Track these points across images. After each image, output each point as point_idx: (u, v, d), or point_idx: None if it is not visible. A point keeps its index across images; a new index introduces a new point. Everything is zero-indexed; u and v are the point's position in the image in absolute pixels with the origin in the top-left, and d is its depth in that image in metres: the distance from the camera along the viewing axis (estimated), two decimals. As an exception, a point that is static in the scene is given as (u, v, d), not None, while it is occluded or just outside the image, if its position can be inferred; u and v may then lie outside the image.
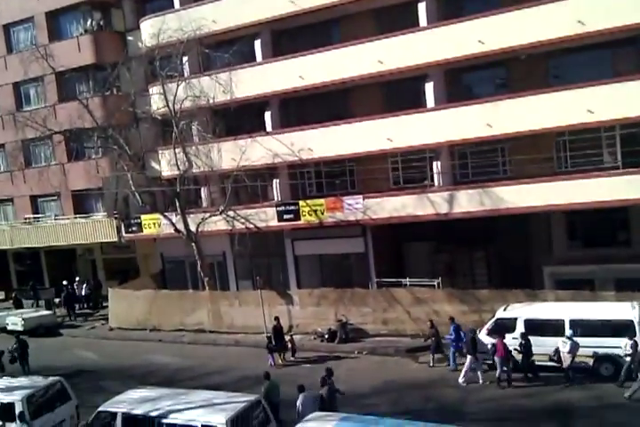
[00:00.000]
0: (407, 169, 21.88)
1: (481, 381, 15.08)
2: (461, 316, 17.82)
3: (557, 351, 14.53)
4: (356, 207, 21.22)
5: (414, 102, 20.83)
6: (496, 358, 14.81)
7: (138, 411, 11.71)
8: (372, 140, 20.82)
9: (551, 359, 14.65)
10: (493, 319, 16.03)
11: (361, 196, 21.33)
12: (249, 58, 23.37)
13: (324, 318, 19.32)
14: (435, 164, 20.82)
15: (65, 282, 28.17)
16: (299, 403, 12.13)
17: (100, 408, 12.25)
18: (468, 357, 15.24)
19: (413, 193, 20.54)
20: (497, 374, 14.85)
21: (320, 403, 12.09)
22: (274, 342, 18.04)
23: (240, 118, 23.62)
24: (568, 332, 14.54)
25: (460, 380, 15.19)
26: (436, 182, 20.88)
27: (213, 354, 19.39)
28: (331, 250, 22.72)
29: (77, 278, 28.76)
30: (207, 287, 22.98)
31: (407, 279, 20.17)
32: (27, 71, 25.44)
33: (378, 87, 21.97)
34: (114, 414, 11.91)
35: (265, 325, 20.22)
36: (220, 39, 23.38)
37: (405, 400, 14.24)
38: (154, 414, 11.43)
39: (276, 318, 18.79)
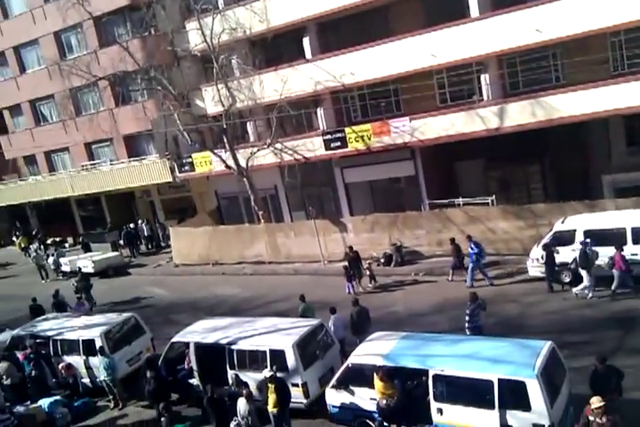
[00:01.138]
0: (454, 85, 21.01)
1: (590, 295, 14.40)
2: (518, 231, 17.63)
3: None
4: (403, 130, 20.75)
5: (457, 14, 19.60)
6: (614, 271, 13.97)
7: (208, 340, 12.36)
8: (415, 58, 20.01)
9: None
10: (551, 233, 15.70)
11: (407, 117, 20.79)
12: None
13: (378, 243, 19.47)
14: (482, 77, 19.89)
15: (132, 225, 29.18)
16: (330, 324, 12.89)
17: (174, 339, 13.02)
18: (584, 272, 14.37)
19: (461, 110, 19.87)
20: (613, 287, 14.06)
21: (350, 323, 13.12)
22: (351, 271, 17.87)
23: (279, 48, 23.09)
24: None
25: (579, 292, 14.58)
26: (484, 97, 20.03)
27: (274, 284, 20.03)
28: (380, 175, 22.54)
29: (139, 221, 29.81)
30: (262, 220, 23.42)
31: (460, 199, 19.92)
32: (65, 19, 25.40)
33: (417, 0, 20.79)
34: (187, 344, 12.66)
35: (321, 253, 20.64)
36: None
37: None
38: (223, 342, 12.04)
39: (350, 248, 18.58)
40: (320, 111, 23.48)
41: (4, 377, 14.15)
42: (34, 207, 36.53)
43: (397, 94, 22.32)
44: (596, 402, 7.83)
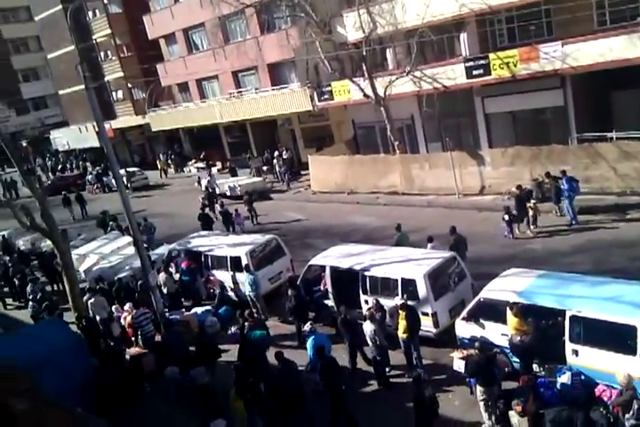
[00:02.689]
0: (615, 5, 18.87)
1: None
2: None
3: None
4: (554, 55, 19.20)
5: None
6: None
7: (343, 265, 12.97)
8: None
9: None
10: None
11: (559, 42, 19.11)
12: None
13: (518, 178, 18.70)
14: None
15: (276, 153, 30.05)
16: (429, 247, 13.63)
17: (311, 262, 13.85)
18: None
19: (622, 33, 17.84)
20: None
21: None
22: (514, 212, 16.42)
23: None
24: None
25: None
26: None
27: (407, 215, 20.08)
28: (525, 105, 21.26)
29: (281, 148, 30.78)
30: (398, 151, 23.40)
31: (614, 133, 18.40)
32: (214, -53, 25.76)
33: None
34: (323, 267, 13.44)
35: (456, 185, 20.38)
36: None
37: (609, 260, 13.78)
38: (357, 267, 12.59)
39: (519, 187, 17.18)
40: (463, 36, 22.35)
41: (163, 287, 15.86)
42: (187, 133, 39.14)
43: (549, 16, 20.49)
44: None
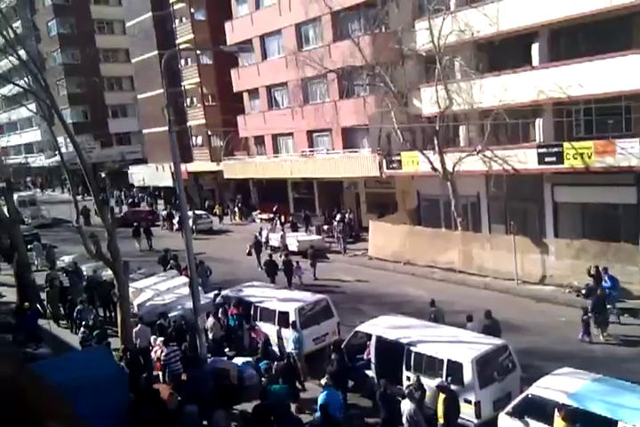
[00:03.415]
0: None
1: None
2: None
3: None
4: (631, 152, 19.02)
5: None
6: None
7: (390, 336, 12.79)
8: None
9: None
10: None
11: (638, 139, 19.00)
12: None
13: (582, 272, 18.20)
14: None
15: (338, 216, 30.15)
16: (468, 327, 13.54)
17: (358, 328, 13.76)
18: None
19: None
20: None
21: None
22: (596, 312, 14.94)
23: (504, 53, 22.63)
24: None
25: None
26: None
27: (461, 294, 19.82)
28: (596, 198, 20.95)
29: (344, 211, 31.13)
30: (460, 228, 23.34)
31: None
32: (307, 12, 27.39)
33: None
34: (369, 335, 13.30)
35: (516, 271, 20.00)
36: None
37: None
38: (404, 341, 12.40)
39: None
40: (539, 122, 22.53)
41: (210, 331, 16.01)
42: (256, 184, 40.29)
43: (629, 112, 20.52)
44: None
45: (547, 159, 21.33)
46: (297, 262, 22.65)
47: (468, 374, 11.13)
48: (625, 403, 9.18)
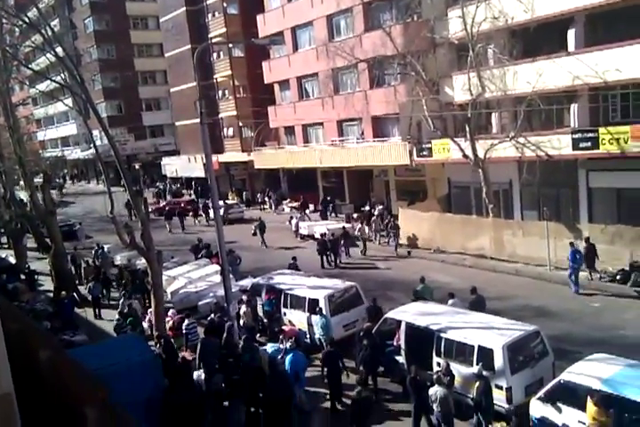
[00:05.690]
0: None
1: None
2: None
3: None
4: (669, 137, 18.60)
5: None
6: None
7: (420, 322, 12.81)
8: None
9: None
10: None
11: (676, 124, 18.56)
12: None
13: (616, 258, 17.89)
14: None
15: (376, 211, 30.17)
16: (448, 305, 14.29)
17: (388, 315, 13.84)
18: None
19: None
20: None
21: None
22: None
23: (538, 39, 22.09)
24: None
25: None
26: None
27: (492, 280, 19.73)
28: (632, 184, 20.48)
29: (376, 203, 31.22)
30: (491, 214, 23.12)
31: None
32: (339, 3, 27.24)
33: None
34: (399, 322, 13.35)
35: (549, 257, 19.74)
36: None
37: None
38: (434, 327, 12.39)
39: None
40: (574, 108, 22.07)
41: (241, 318, 16.27)
42: (285, 173, 40.61)
43: (667, 97, 20.00)
44: None
45: (581, 144, 20.97)
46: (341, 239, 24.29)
47: (499, 360, 11.06)
48: (660, 388, 9.01)
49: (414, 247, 25.10)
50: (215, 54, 43.61)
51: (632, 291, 17.35)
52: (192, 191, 48.16)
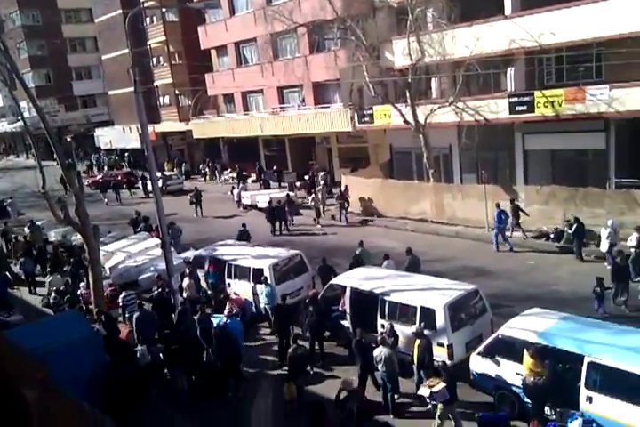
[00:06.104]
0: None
1: None
2: None
3: None
4: (600, 98, 19.12)
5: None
6: None
7: (364, 287, 12.96)
8: (631, 20, 18.04)
9: None
10: None
11: (607, 85, 19.05)
12: None
13: (550, 217, 18.55)
14: None
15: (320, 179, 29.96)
16: (383, 266, 14.87)
17: (332, 281, 13.92)
18: None
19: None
20: None
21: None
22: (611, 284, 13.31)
23: (476, 3, 22.13)
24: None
25: None
26: None
27: (434, 243, 20.11)
28: (565, 145, 21.15)
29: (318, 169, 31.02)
30: (432, 179, 23.42)
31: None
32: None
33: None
34: (343, 287, 13.45)
35: (487, 219, 20.26)
36: None
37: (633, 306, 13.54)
38: (377, 291, 12.57)
39: None
40: (510, 72, 22.40)
41: (184, 291, 16.02)
42: (226, 143, 39.79)
43: (599, 59, 20.45)
44: None
45: (518, 108, 21.37)
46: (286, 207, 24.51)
47: (440, 320, 11.32)
48: (591, 339, 9.41)
49: (367, 215, 25.06)
50: (148, 19, 41.77)
51: (565, 249, 18.03)
52: (125, 163, 46.69)
